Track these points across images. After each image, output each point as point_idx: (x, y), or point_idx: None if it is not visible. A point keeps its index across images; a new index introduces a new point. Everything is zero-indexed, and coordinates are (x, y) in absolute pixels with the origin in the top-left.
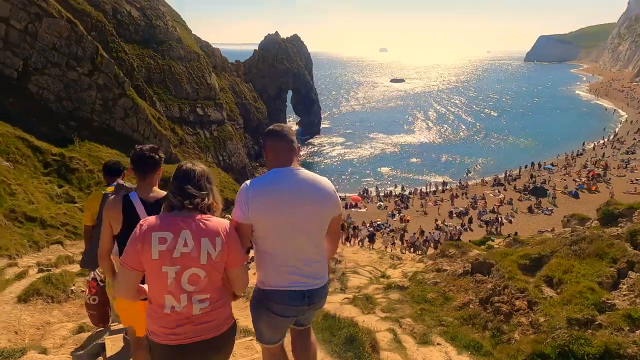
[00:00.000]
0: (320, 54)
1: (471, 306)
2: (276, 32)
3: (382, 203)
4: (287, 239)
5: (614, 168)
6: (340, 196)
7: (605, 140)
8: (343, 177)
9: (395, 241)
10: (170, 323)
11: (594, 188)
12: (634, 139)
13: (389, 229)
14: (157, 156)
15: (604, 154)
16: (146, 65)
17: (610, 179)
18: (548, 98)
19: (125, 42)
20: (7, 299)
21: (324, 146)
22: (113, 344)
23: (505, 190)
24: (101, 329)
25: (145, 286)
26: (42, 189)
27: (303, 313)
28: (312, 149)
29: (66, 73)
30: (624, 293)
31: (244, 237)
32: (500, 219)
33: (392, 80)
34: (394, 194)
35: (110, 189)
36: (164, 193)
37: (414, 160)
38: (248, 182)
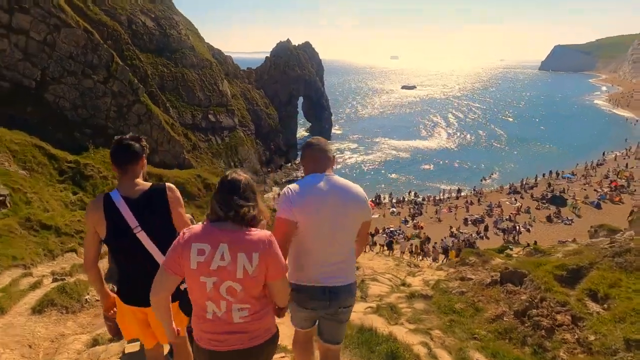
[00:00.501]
0: (332, 61)
1: (505, 319)
2: (288, 39)
3: (395, 209)
4: (319, 237)
5: (638, 179)
6: None
7: (628, 150)
8: (355, 183)
9: (413, 249)
10: (213, 328)
11: (617, 199)
12: None
13: (401, 236)
14: (137, 145)
15: (627, 164)
16: (159, 73)
17: (635, 190)
18: (566, 107)
19: (140, 51)
20: (22, 311)
21: (335, 152)
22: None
23: (522, 198)
24: (117, 340)
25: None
26: (57, 197)
27: (326, 309)
28: None
29: (82, 81)
30: None
31: (288, 236)
32: (518, 227)
33: (404, 87)
34: (407, 200)
35: None
36: (148, 185)
37: (426, 166)
38: (291, 185)
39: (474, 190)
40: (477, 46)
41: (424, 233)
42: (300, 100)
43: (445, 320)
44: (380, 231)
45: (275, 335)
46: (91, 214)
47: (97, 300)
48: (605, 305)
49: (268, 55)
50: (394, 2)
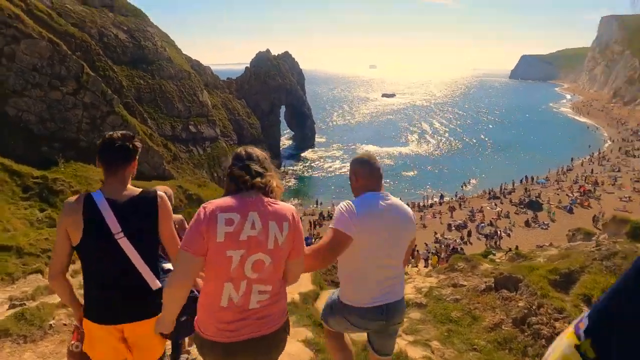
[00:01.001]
0: (311, 71)
1: (504, 327)
2: (267, 49)
3: None
4: (377, 258)
5: (602, 184)
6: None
7: (591, 156)
8: (339, 190)
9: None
10: (226, 318)
11: (586, 204)
12: (617, 157)
13: None
14: (131, 145)
15: (592, 170)
16: (136, 86)
17: (600, 195)
18: (536, 114)
19: (114, 63)
20: None
21: (319, 160)
22: None
23: (501, 203)
24: None
25: (200, 281)
26: (21, 215)
27: (382, 327)
28: (308, 163)
29: (48, 93)
30: None
31: (340, 248)
32: (499, 232)
33: (384, 95)
34: None
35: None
36: (138, 190)
37: (409, 173)
38: (349, 202)
39: (456, 195)
40: (451, 56)
41: None
42: (283, 109)
43: (442, 330)
44: None
45: (288, 321)
46: (66, 216)
47: (65, 325)
48: None
49: (248, 65)
50: (370, 13)
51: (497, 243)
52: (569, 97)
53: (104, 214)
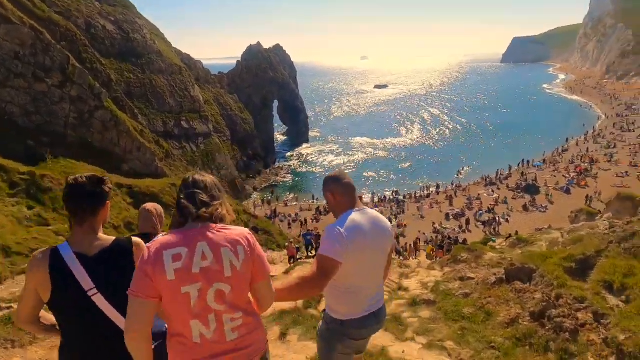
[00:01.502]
0: (303, 64)
1: (522, 322)
2: (258, 42)
3: (377, 208)
4: (368, 273)
5: (597, 162)
6: None
7: (586, 135)
8: None
9: (400, 249)
10: (201, 354)
11: (583, 183)
12: (612, 133)
13: None
14: (100, 190)
15: (587, 148)
16: (126, 80)
17: (597, 173)
18: (530, 96)
19: (101, 56)
20: None
21: (314, 154)
22: None
23: (498, 189)
24: None
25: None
26: (8, 212)
27: (375, 332)
28: (302, 158)
29: (33, 85)
30: None
31: (333, 274)
32: (497, 218)
33: (377, 87)
34: (388, 198)
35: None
36: (111, 239)
37: (405, 164)
38: (338, 227)
39: (452, 184)
40: (442, 43)
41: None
42: (276, 104)
43: (455, 328)
44: None
45: (268, 349)
46: (32, 273)
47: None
48: (624, 297)
49: (239, 59)
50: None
51: (496, 229)
52: (562, 77)
53: (73, 271)
